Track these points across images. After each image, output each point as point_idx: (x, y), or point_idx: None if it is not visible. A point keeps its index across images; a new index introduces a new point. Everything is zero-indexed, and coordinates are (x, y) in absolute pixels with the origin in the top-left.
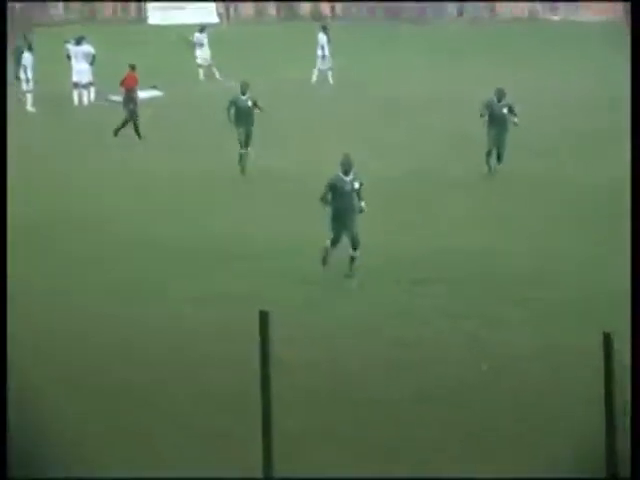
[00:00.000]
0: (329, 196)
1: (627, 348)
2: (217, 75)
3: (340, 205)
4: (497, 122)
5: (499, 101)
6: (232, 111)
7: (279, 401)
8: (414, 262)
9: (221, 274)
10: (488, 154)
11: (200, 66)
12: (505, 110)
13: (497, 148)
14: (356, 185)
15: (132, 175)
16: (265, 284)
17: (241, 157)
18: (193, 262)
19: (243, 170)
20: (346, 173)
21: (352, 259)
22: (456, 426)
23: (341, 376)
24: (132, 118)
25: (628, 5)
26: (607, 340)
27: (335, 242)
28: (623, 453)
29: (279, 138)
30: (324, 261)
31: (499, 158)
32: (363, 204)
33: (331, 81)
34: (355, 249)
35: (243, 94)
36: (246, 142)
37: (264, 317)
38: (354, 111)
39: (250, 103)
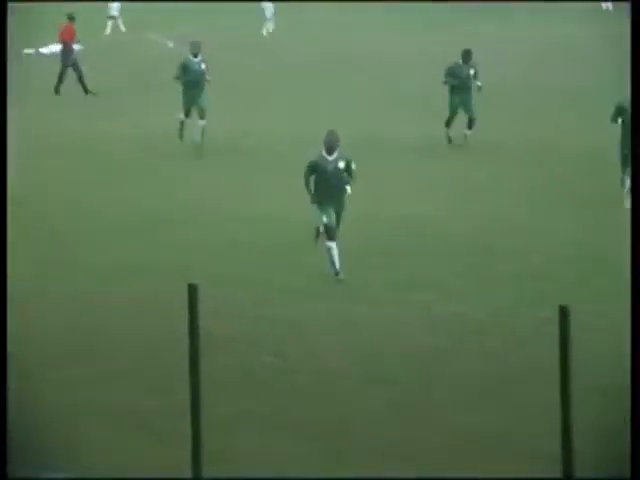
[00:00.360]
0: (311, 178)
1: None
2: (122, 28)
3: (323, 188)
4: (462, 86)
5: (465, 63)
6: (181, 74)
7: (209, 379)
8: (362, 233)
9: (151, 244)
10: (448, 123)
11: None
12: (472, 72)
13: (466, 115)
14: (341, 164)
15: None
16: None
17: (182, 125)
18: (118, 230)
19: (181, 138)
20: (329, 152)
21: (330, 252)
22: (407, 406)
23: (281, 353)
24: (77, 73)
25: None
26: (563, 314)
27: (331, 229)
28: (623, 453)
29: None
30: (315, 240)
31: (470, 125)
32: (348, 188)
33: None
34: (332, 238)
35: (195, 56)
36: (189, 110)
37: (193, 291)
38: (306, 71)
39: (203, 66)
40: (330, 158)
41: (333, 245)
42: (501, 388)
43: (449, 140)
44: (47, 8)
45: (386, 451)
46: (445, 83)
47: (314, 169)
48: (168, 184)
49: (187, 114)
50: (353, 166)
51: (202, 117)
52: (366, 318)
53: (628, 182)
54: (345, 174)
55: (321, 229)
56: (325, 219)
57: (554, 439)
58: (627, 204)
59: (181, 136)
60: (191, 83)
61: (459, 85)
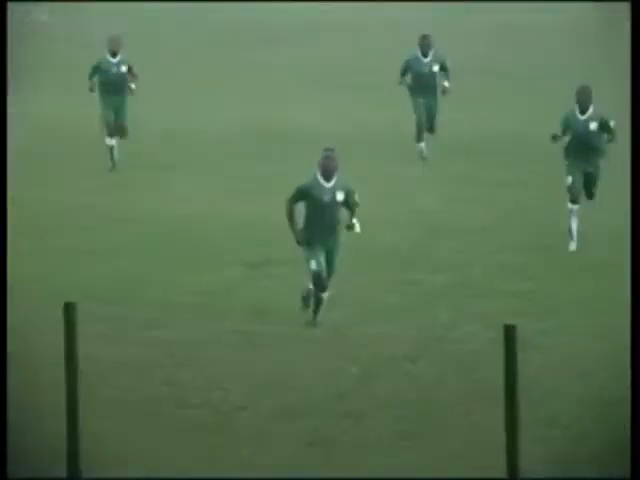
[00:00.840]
0: (295, 207)
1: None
2: None
3: (315, 224)
4: (424, 86)
5: (425, 55)
6: (95, 79)
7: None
8: (260, 238)
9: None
10: (419, 136)
11: None
12: (435, 68)
13: (428, 120)
14: (339, 196)
15: None
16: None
17: (111, 150)
18: None
19: (113, 166)
20: (327, 177)
21: (317, 301)
22: (320, 443)
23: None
24: None
25: None
26: (509, 333)
27: (318, 277)
28: (623, 453)
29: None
30: (305, 304)
31: (430, 131)
32: (355, 222)
33: None
34: (322, 289)
35: (113, 55)
36: (116, 128)
37: (70, 310)
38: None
39: (124, 69)
40: (327, 185)
41: (324, 296)
42: (430, 424)
43: (422, 157)
44: None
45: None
46: (401, 84)
47: (303, 197)
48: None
49: (112, 133)
50: (356, 198)
51: (122, 135)
52: (275, 340)
53: (569, 180)
54: (342, 209)
55: (309, 286)
56: (314, 266)
57: None
58: (569, 205)
59: (113, 164)
60: (108, 90)
61: (418, 86)
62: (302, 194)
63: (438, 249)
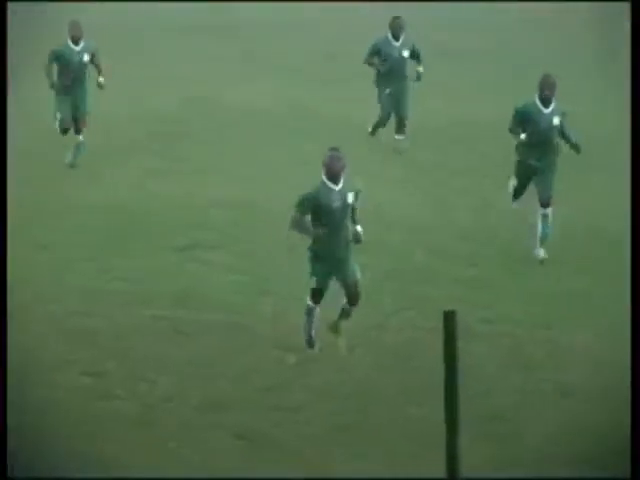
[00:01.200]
0: (305, 218)
1: None
2: None
3: (327, 233)
4: (394, 71)
5: (396, 39)
6: (54, 68)
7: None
8: (187, 221)
9: None
10: (375, 128)
11: None
12: (406, 53)
13: (396, 115)
14: (349, 199)
15: None
16: None
17: (79, 148)
18: None
19: (73, 164)
20: (334, 180)
21: (344, 313)
22: (251, 436)
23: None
24: None
25: None
26: (448, 320)
27: (318, 294)
28: (623, 453)
29: None
30: (308, 331)
31: (399, 128)
32: (359, 229)
33: None
34: (353, 303)
35: (75, 42)
36: (74, 123)
37: None
38: None
39: (86, 58)
40: (336, 189)
41: (316, 307)
42: (367, 416)
43: (371, 133)
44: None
45: None
46: (367, 63)
47: (311, 207)
48: None
49: (66, 130)
50: (349, 199)
51: (79, 129)
52: (203, 328)
53: (512, 183)
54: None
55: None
56: (314, 283)
57: None
58: (514, 205)
59: (73, 162)
60: (68, 81)
61: (389, 72)
62: (309, 204)
63: (380, 234)
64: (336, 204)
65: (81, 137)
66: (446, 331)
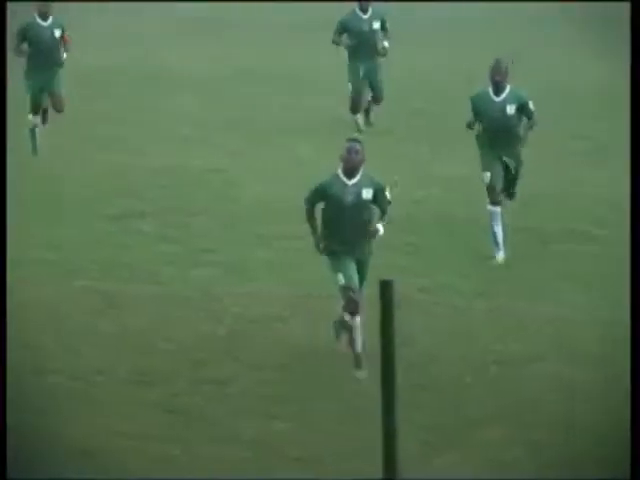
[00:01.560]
0: (314, 209)
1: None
2: None
3: (338, 228)
4: (364, 46)
5: (364, 11)
6: (24, 46)
7: None
8: (118, 189)
9: None
10: (354, 107)
11: None
12: (376, 25)
13: (370, 89)
14: (366, 194)
15: None
16: None
17: (33, 133)
18: None
19: (34, 150)
20: (350, 174)
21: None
22: (183, 412)
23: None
24: None
25: None
26: (385, 289)
27: (349, 293)
28: (623, 453)
29: None
30: (336, 334)
31: (375, 100)
32: (380, 227)
33: None
34: (352, 310)
35: (43, 18)
36: (39, 103)
37: None
38: None
39: (57, 34)
40: (350, 183)
41: (356, 321)
42: (302, 388)
43: (358, 128)
44: None
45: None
46: (335, 43)
47: (322, 198)
48: None
49: (37, 110)
50: (387, 195)
51: (58, 109)
52: (134, 300)
53: (487, 176)
54: (371, 207)
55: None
56: (342, 279)
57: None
58: (489, 207)
59: (34, 148)
60: (38, 59)
61: (358, 46)
62: (320, 194)
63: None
64: (348, 198)
65: (38, 120)
66: (382, 301)
